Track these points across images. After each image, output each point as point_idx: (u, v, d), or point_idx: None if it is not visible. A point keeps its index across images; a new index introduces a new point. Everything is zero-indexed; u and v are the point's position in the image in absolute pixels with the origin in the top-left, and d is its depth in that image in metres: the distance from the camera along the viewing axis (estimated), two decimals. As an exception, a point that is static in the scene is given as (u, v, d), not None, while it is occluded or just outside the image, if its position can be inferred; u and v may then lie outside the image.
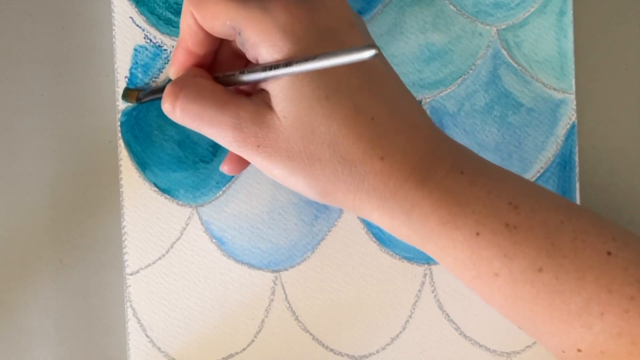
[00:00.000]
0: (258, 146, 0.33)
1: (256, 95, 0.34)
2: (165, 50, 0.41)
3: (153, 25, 0.41)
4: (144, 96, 0.40)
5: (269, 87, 0.33)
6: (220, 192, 0.41)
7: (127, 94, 0.40)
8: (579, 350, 0.33)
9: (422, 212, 0.33)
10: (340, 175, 0.33)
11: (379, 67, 0.34)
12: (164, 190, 0.41)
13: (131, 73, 0.41)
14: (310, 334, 0.41)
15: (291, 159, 0.33)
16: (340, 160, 0.33)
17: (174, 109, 0.34)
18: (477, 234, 0.32)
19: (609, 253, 0.32)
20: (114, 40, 0.41)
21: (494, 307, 0.35)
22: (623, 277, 0.32)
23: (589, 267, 0.32)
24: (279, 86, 0.33)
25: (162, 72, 0.41)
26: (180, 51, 0.36)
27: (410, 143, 0.33)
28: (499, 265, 0.32)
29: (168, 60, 0.41)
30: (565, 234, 0.32)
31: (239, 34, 0.33)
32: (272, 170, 0.34)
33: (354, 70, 0.33)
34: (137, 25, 0.41)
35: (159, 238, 0.41)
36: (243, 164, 0.38)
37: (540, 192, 0.34)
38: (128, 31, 0.41)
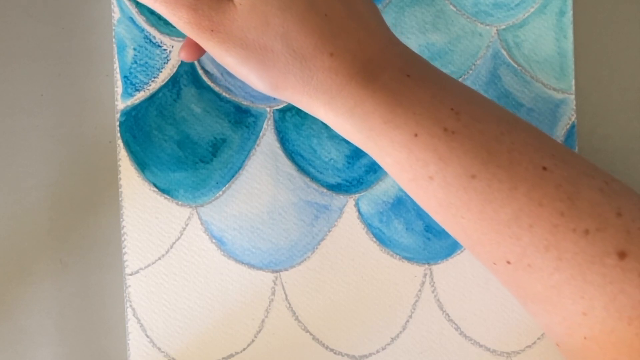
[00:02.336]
0: (212, 30, 0.34)
1: None
2: (165, 50, 0.41)
3: (153, 25, 0.41)
4: None
5: None
6: (220, 192, 0.41)
7: None
8: (508, 263, 0.33)
9: (364, 110, 0.33)
10: (291, 68, 0.34)
11: None
12: (164, 191, 0.41)
13: (131, 73, 0.41)
14: (310, 334, 0.41)
15: (244, 47, 0.34)
16: (292, 53, 0.33)
17: None
18: (416, 135, 0.33)
19: (544, 168, 0.33)
20: (114, 40, 0.41)
21: (430, 213, 0.35)
22: (555, 192, 0.32)
23: (522, 179, 0.32)
24: None
25: (161, 72, 0.41)
26: None
27: (360, 43, 0.34)
28: (434, 168, 0.33)
29: (168, 60, 0.41)
30: (504, 145, 0.33)
31: None
32: (225, 58, 0.34)
33: None
34: (137, 25, 0.41)
35: (159, 238, 0.41)
36: (199, 50, 0.38)
37: (487, 104, 0.35)
38: (128, 31, 0.41)
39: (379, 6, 0.42)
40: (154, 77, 0.41)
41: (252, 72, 0.34)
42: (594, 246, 0.32)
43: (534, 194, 0.32)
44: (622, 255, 0.32)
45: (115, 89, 0.41)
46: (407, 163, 0.33)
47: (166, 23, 0.41)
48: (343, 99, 0.34)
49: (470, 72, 0.42)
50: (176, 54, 0.41)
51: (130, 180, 0.41)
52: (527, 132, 0.34)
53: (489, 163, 0.33)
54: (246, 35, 0.34)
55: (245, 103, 0.42)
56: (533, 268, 0.33)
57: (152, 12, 0.41)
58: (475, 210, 0.33)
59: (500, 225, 0.33)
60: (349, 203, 0.42)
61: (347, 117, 0.34)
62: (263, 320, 0.41)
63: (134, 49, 0.41)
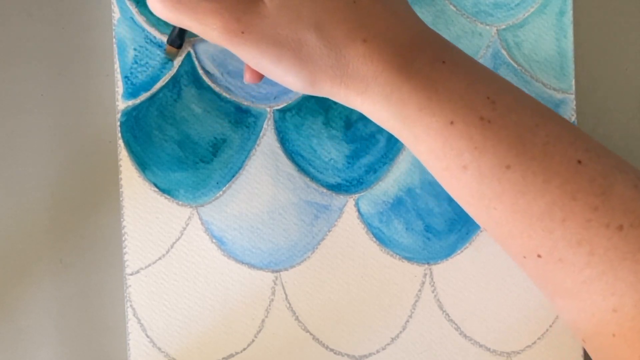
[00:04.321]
0: (243, 32, 0.33)
1: None
2: (166, 50, 0.41)
3: (153, 25, 0.41)
4: (173, 40, 0.40)
5: None
6: (220, 192, 0.41)
7: (169, 52, 0.40)
8: (539, 256, 0.33)
9: (400, 97, 0.33)
10: (326, 60, 0.33)
11: None
12: (164, 191, 0.41)
13: (131, 73, 0.41)
14: (310, 334, 0.41)
15: (278, 45, 0.33)
16: (326, 44, 0.33)
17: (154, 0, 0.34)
18: (451, 122, 0.33)
19: (579, 162, 0.33)
20: (114, 40, 0.41)
21: (461, 204, 0.35)
22: (589, 186, 0.32)
23: (556, 172, 0.32)
24: None
25: (162, 72, 0.41)
26: None
27: (391, 29, 0.34)
28: (469, 157, 0.33)
29: (168, 60, 0.41)
30: (538, 137, 0.33)
31: None
32: (260, 60, 0.34)
33: None
34: (137, 25, 0.41)
35: (159, 238, 0.41)
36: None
37: (521, 94, 0.35)
38: (128, 31, 0.41)
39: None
40: (155, 77, 0.41)
41: (289, 70, 0.34)
42: (627, 242, 0.31)
43: (567, 188, 0.32)
44: None
45: (116, 89, 0.41)
46: (441, 151, 0.33)
47: (167, 23, 0.41)
48: (379, 86, 0.33)
49: (470, 72, 0.42)
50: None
51: (131, 180, 0.41)
52: (561, 125, 0.34)
53: (523, 154, 0.32)
54: (279, 32, 0.33)
55: (245, 103, 0.42)
56: (564, 263, 0.32)
57: (152, 12, 0.41)
58: (508, 202, 0.33)
59: (533, 218, 0.32)
60: (349, 203, 0.42)
61: (383, 104, 0.34)
62: (263, 320, 0.41)
63: (135, 49, 0.41)
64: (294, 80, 0.34)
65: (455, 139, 0.33)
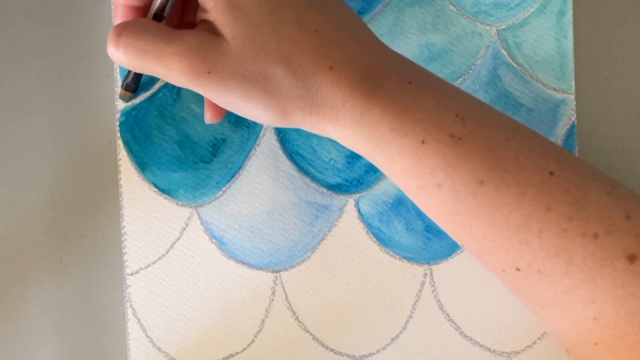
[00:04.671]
0: (209, 72, 0.33)
1: (199, 26, 0.34)
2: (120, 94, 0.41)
3: (153, 25, 0.41)
4: (127, 85, 0.40)
5: (211, 15, 0.33)
6: (220, 192, 0.41)
7: (123, 96, 0.40)
8: (518, 270, 0.33)
9: (372, 119, 0.33)
10: (295, 90, 0.33)
11: None
12: (164, 191, 0.41)
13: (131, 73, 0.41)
14: (310, 334, 0.41)
15: (246, 80, 0.33)
16: (293, 75, 0.33)
17: (117, 48, 0.34)
18: (423, 142, 0.33)
19: (551, 173, 0.33)
20: (113, 40, 0.41)
21: (438, 222, 0.35)
22: (563, 196, 0.32)
23: (530, 184, 0.32)
24: (219, 11, 0.33)
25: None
26: (119, 9, 0.36)
27: (356, 55, 0.34)
28: (443, 175, 0.33)
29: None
30: (510, 150, 0.33)
31: None
32: (228, 98, 0.34)
33: None
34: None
35: (159, 238, 0.41)
36: (222, 109, 0.38)
37: (489, 110, 0.35)
38: (128, 31, 0.41)
39: (379, 6, 0.42)
40: (154, 77, 0.41)
41: (259, 105, 0.34)
42: (604, 250, 0.32)
43: (542, 199, 0.32)
44: (632, 258, 0.31)
45: (115, 89, 0.41)
46: (415, 171, 0.33)
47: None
48: (349, 111, 0.34)
49: (470, 72, 0.42)
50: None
51: (131, 180, 0.41)
52: (532, 138, 0.34)
53: (496, 168, 0.33)
54: (246, 68, 0.33)
55: (245, 103, 0.42)
56: (543, 274, 0.32)
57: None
58: (484, 216, 0.33)
59: (510, 232, 0.33)
60: (349, 203, 0.42)
61: (355, 129, 0.34)
62: (263, 320, 0.41)
63: (134, 49, 0.41)
64: (264, 114, 0.34)
65: (428, 157, 0.33)
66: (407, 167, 0.33)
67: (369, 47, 0.35)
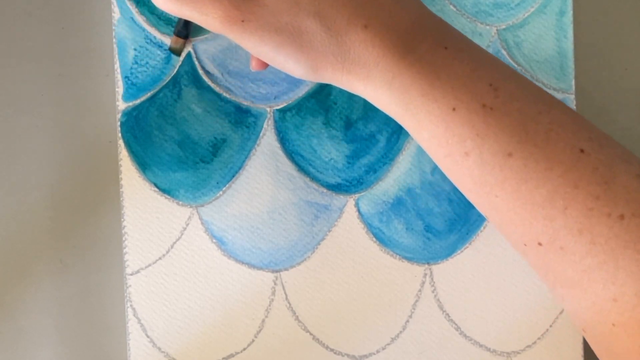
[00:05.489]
0: (243, 21, 0.33)
1: None
2: (166, 50, 0.41)
3: (153, 25, 0.41)
4: (179, 31, 0.40)
5: None
6: (221, 192, 0.41)
7: (176, 46, 0.41)
8: (540, 244, 0.33)
9: (403, 83, 0.33)
10: (327, 46, 0.33)
11: None
12: (164, 191, 0.41)
13: (131, 73, 0.41)
14: (310, 334, 0.41)
15: (279, 32, 0.33)
16: (327, 31, 0.33)
17: None
18: (454, 109, 0.33)
19: (581, 151, 0.32)
20: (114, 40, 0.41)
21: (463, 191, 0.35)
22: (591, 175, 0.32)
23: (559, 160, 0.32)
24: None
25: (162, 72, 0.41)
26: None
27: (392, 14, 0.34)
28: (471, 144, 0.33)
29: (169, 61, 0.41)
30: (541, 125, 0.33)
31: None
32: (261, 48, 0.34)
33: None
34: (137, 25, 0.41)
35: (159, 238, 0.41)
36: None
37: (524, 82, 0.35)
38: (128, 31, 0.41)
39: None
40: (155, 77, 0.41)
41: (290, 57, 0.34)
42: (629, 232, 0.31)
43: (569, 176, 0.32)
44: None
45: (116, 89, 0.41)
46: (443, 138, 0.33)
47: (167, 23, 0.41)
48: (381, 72, 0.33)
49: (471, 72, 0.42)
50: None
51: (131, 180, 0.41)
52: (565, 113, 0.34)
53: (526, 142, 0.32)
54: (279, 20, 0.33)
55: (245, 103, 0.42)
56: (565, 251, 0.32)
57: (152, 12, 0.41)
58: (509, 189, 0.33)
59: (534, 206, 0.32)
60: (349, 203, 0.42)
61: (385, 90, 0.34)
62: (263, 320, 0.41)
63: (135, 49, 0.41)
64: (295, 67, 0.34)
65: (457, 125, 0.33)
66: (435, 133, 0.33)
67: (407, 7, 0.34)
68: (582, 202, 0.32)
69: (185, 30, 0.40)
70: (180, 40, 0.40)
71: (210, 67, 0.41)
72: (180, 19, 0.40)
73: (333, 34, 0.33)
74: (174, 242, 0.41)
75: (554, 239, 0.32)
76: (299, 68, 0.34)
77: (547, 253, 0.33)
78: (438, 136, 0.33)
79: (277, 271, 0.41)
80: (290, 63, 0.34)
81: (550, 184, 0.32)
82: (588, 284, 0.32)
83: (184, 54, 0.41)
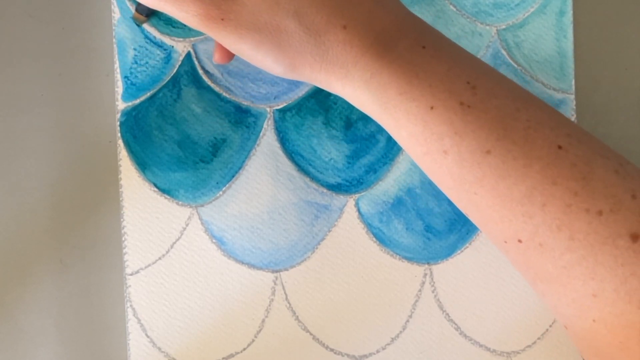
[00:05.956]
0: (222, 19, 0.33)
1: None
2: (166, 50, 0.41)
3: (153, 25, 0.41)
4: (140, 9, 0.40)
5: None
6: (220, 192, 0.41)
7: (136, 18, 0.41)
8: (519, 241, 0.33)
9: (381, 81, 0.33)
10: (306, 46, 0.34)
11: None
12: (164, 191, 0.41)
13: (131, 73, 0.41)
14: (310, 334, 0.41)
15: (257, 31, 0.33)
16: (306, 31, 0.33)
17: None
18: (432, 107, 0.33)
19: (559, 147, 0.32)
20: (114, 40, 0.41)
21: (442, 188, 0.35)
22: (570, 171, 0.32)
23: (537, 157, 0.32)
24: None
25: (162, 72, 0.41)
26: None
27: (371, 14, 0.34)
28: (449, 142, 0.33)
29: (168, 61, 0.41)
30: (519, 122, 0.33)
31: None
32: (238, 45, 0.34)
33: None
34: (138, 25, 0.41)
35: (159, 238, 0.41)
36: (230, 53, 0.38)
37: (502, 79, 0.35)
38: (128, 31, 0.41)
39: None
40: (155, 77, 0.41)
41: (268, 55, 0.34)
42: (607, 227, 0.31)
43: (548, 172, 0.32)
44: (635, 237, 0.31)
45: (116, 89, 0.41)
46: (422, 136, 0.33)
47: (166, 23, 0.41)
48: (359, 71, 0.34)
49: (470, 72, 0.42)
50: (176, 54, 0.41)
51: (131, 180, 0.41)
52: (543, 110, 0.34)
53: (504, 139, 0.32)
54: (258, 19, 0.33)
55: (245, 103, 0.42)
56: (544, 247, 0.32)
57: (152, 12, 0.41)
58: (488, 186, 0.33)
59: (513, 203, 0.32)
60: (349, 203, 0.42)
61: (363, 89, 0.34)
62: (263, 320, 0.41)
63: (135, 49, 0.41)
64: (273, 66, 0.34)
65: (436, 123, 0.33)
66: (414, 131, 0.33)
67: (386, 7, 0.34)
68: (560, 198, 0.32)
69: (147, 10, 0.40)
70: (142, 17, 0.40)
71: (210, 67, 0.41)
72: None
73: (312, 33, 0.33)
74: (174, 242, 0.41)
75: (533, 235, 0.32)
76: (278, 66, 0.34)
77: (526, 250, 0.33)
78: (416, 135, 0.33)
79: (277, 271, 0.41)
80: (268, 61, 0.34)
81: (529, 180, 0.32)
82: (568, 280, 0.32)
83: (184, 54, 0.41)
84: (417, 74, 0.33)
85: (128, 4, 0.41)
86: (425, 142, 0.33)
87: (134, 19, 0.41)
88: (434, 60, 0.33)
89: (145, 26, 0.41)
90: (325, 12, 0.33)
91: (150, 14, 0.41)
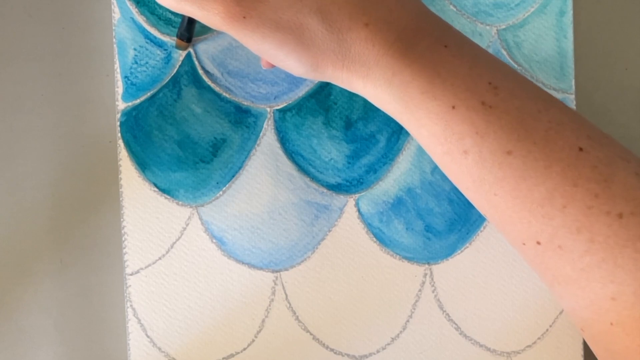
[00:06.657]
0: (244, 17, 0.33)
1: None
2: (166, 50, 0.41)
3: (153, 25, 0.41)
4: (181, 34, 0.40)
5: None
6: (220, 192, 0.41)
7: (179, 46, 0.41)
8: (538, 243, 0.33)
9: (402, 80, 0.33)
10: (328, 44, 0.33)
11: None
12: (164, 191, 0.41)
13: (131, 73, 0.41)
14: (310, 334, 0.41)
15: (279, 29, 0.33)
16: (328, 28, 0.33)
17: None
18: (453, 107, 0.33)
19: (580, 149, 0.32)
20: (114, 40, 0.41)
21: (462, 189, 0.35)
22: (590, 173, 0.32)
23: (558, 159, 0.32)
24: None
25: (162, 72, 0.41)
26: None
27: (393, 13, 0.34)
28: (470, 142, 0.33)
29: (168, 61, 0.41)
30: (540, 123, 0.33)
31: None
32: (262, 45, 0.34)
33: None
34: (138, 26, 0.41)
35: (159, 238, 0.41)
36: None
37: (523, 80, 0.34)
38: (128, 31, 0.41)
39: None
40: (155, 77, 0.41)
41: (291, 55, 0.34)
42: (628, 230, 0.31)
43: (568, 174, 0.32)
44: None
45: (116, 89, 0.41)
46: (442, 136, 0.33)
47: (167, 23, 0.41)
48: (381, 70, 0.34)
49: (471, 72, 0.42)
50: (176, 54, 0.41)
51: (131, 180, 0.41)
52: (564, 112, 0.34)
53: (525, 140, 0.32)
54: (280, 17, 0.33)
55: (245, 103, 0.42)
56: (563, 250, 0.32)
57: (152, 12, 0.41)
58: (508, 187, 0.33)
59: (533, 204, 0.32)
60: (349, 203, 0.42)
61: (384, 88, 0.34)
62: (263, 320, 0.41)
63: (135, 49, 0.41)
64: (296, 65, 0.34)
65: (457, 123, 0.33)
66: (434, 131, 0.33)
67: (407, 6, 0.34)
68: (581, 200, 0.32)
69: (188, 33, 0.40)
70: (184, 44, 0.40)
71: (210, 67, 0.41)
72: (182, 22, 0.40)
73: (334, 31, 0.33)
74: (174, 242, 0.41)
75: (553, 237, 0.32)
76: (300, 66, 0.34)
77: (545, 252, 0.33)
78: (437, 134, 0.33)
79: (277, 271, 0.41)
80: (291, 60, 0.34)
81: (550, 182, 0.32)
82: (586, 283, 0.32)
83: (184, 54, 0.41)
84: (439, 73, 0.33)
85: (128, 4, 0.41)
86: (446, 141, 0.33)
87: (177, 47, 0.41)
88: (456, 60, 0.33)
89: (146, 26, 0.41)
90: (348, 10, 0.33)
91: (190, 39, 0.40)
